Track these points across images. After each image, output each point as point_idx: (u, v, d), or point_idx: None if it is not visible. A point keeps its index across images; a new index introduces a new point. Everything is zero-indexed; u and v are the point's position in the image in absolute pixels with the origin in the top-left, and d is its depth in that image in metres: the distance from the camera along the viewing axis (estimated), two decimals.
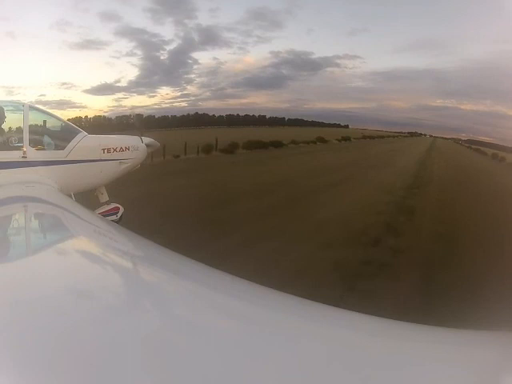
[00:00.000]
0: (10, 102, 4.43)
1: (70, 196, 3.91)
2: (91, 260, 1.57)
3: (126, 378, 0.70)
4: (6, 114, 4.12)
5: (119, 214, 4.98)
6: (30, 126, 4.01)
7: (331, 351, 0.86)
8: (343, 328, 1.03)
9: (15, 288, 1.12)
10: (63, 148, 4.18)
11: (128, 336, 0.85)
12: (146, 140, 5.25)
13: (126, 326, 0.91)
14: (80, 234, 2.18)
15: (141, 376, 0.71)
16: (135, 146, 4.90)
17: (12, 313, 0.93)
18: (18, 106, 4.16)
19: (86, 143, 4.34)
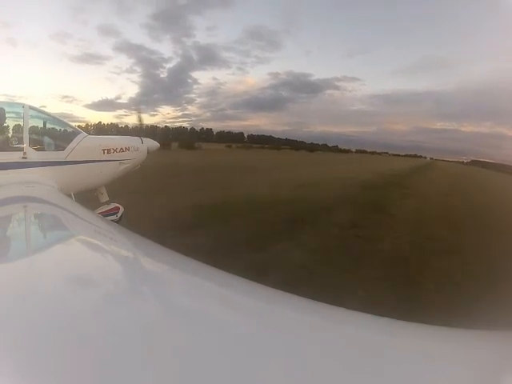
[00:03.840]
0: (10, 102, 4.44)
1: (70, 196, 3.91)
2: (91, 260, 1.57)
3: (125, 379, 0.70)
4: (6, 115, 4.13)
5: (119, 214, 5.00)
6: (30, 127, 4.02)
7: (330, 350, 0.86)
8: (342, 327, 1.03)
9: (15, 288, 1.12)
10: (63, 149, 4.19)
11: (128, 335, 0.85)
12: (146, 141, 5.26)
13: (127, 325, 0.91)
14: (80, 234, 2.18)
15: (141, 377, 0.71)
16: (135, 146, 4.91)
17: (12, 313, 0.93)
18: (18, 107, 4.17)
19: (86, 144, 4.35)
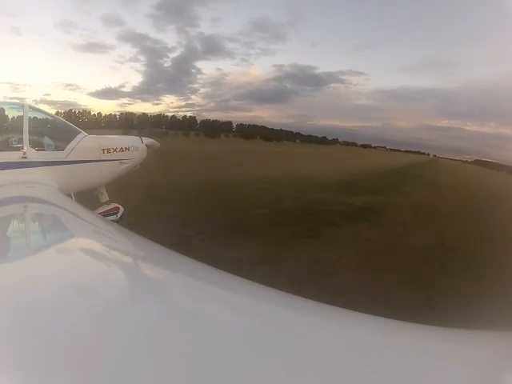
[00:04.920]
0: (10, 102, 4.44)
1: (70, 196, 3.91)
2: (91, 260, 1.57)
3: (124, 378, 0.70)
4: (6, 115, 4.12)
5: (119, 214, 4.99)
6: (30, 127, 4.01)
7: (330, 351, 0.86)
8: (342, 327, 1.03)
9: (15, 288, 1.12)
10: (63, 148, 4.18)
11: (128, 335, 0.85)
12: (146, 140, 5.26)
13: (126, 325, 0.91)
14: (80, 234, 2.18)
15: (140, 376, 0.71)
16: (135, 146, 4.91)
17: (12, 313, 0.93)
18: (18, 107, 4.17)
19: (86, 144, 4.34)
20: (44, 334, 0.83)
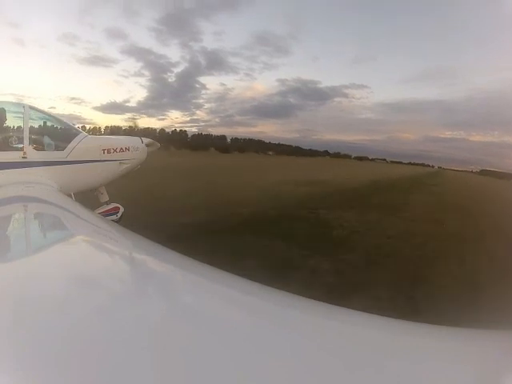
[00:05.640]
0: (10, 102, 4.44)
1: (70, 196, 3.92)
2: (91, 260, 1.57)
3: (123, 378, 0.70)
4: (6, 115, 4.13)
5: (119, 214, 5.00)
6: (30, 127, 4.02)
7: (330, 350, 0.86)
8: (343, 327, 1.03)
9: (15, 288, 1.12)
10: (63, 149, 4.19)
11: (128, 335, 0.85)
12: (146, 141, 5.27)
13: (126, 325, 0.91)
14: (80, 234, 2.18)
15: (140, 376, 0.71)
16: (135, 146, 4.92)
17: (12, 313, 0.93)
18: (18, 107, 4.17)
19: (86, 144, 4.35)
20: (44, 335, 0.83)
